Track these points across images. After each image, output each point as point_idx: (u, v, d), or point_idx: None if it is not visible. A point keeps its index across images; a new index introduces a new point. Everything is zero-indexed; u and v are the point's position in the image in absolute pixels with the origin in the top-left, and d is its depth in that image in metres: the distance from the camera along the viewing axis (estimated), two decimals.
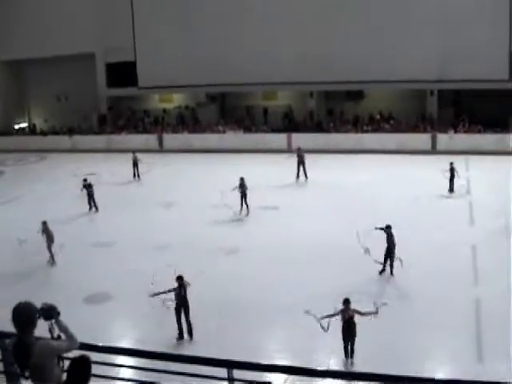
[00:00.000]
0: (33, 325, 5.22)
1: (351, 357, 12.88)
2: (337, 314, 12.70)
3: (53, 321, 5.33)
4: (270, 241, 20.80)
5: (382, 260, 17.28)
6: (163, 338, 14.04)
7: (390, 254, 17.16)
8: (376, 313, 12.76)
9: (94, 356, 5.25)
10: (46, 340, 5.25)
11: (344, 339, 12.79)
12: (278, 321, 15.08)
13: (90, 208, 25.78)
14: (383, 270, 17.34)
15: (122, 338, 14.45)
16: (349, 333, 12.71)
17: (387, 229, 17.16)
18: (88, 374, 5.10)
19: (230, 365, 5.20)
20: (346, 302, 12.66)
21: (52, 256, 19.61)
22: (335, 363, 12.95)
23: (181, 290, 13.98)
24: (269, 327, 14.84)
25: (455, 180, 25.88)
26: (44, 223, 19.70)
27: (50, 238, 19.53)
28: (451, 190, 25.90)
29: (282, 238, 20.94)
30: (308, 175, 29.54)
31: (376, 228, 17.41)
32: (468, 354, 12.88)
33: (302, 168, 29.67)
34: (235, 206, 24.10)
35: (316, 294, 15.73)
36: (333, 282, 16.46)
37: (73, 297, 16.11)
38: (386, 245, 17.18)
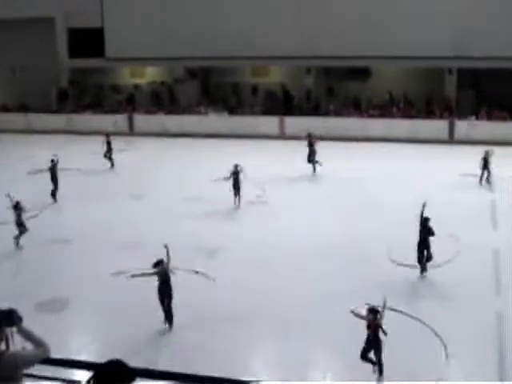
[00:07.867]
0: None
1: (380, 374, 12.87)
2: (364, 317, 12.76)
3: (13, 329, 5.19)
4: (258, 240, 20.79)
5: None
6: (130, 347, 13.89)
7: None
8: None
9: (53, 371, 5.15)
10: (13, 351, 5.13)
11: (367, 349, 12.84)
12: (266, 332, 15.06)
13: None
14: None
15: (81, 351, 14.27)
16: (373, 344, 12.75)
17: (425, 221, 17.39)
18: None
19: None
20: (372, 311, 12.70)
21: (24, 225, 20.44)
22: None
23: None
24: (256, 339, 14.84)
25: (485, 172, 26.56)
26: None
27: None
28: (488, 181, 26.56)
29: (271, 238, 20.90)
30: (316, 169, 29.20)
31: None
32: (489, 372, 12.86)
33: (312, 158, 29.10)
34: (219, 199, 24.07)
35: (309, 301, 15.85)
36: (329, 286, 16.58)
37: (22, 304, 15.84)
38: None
